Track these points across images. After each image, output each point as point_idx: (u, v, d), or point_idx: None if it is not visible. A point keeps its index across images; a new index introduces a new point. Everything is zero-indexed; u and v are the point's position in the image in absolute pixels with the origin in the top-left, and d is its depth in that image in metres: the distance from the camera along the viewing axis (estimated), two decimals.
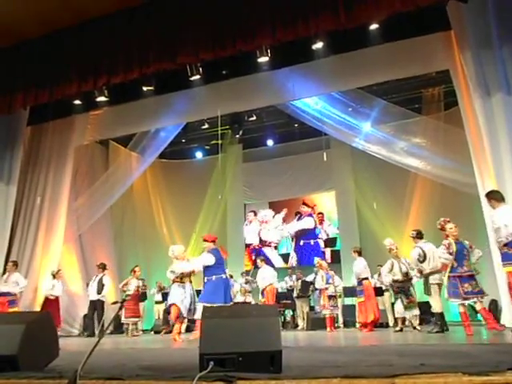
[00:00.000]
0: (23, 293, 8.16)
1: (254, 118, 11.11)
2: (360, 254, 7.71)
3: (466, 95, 6.58)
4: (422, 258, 6.33)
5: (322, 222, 12.30)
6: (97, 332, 8.81)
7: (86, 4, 6.46)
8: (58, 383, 2.03)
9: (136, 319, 9.04)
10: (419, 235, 6.56)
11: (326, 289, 7.87)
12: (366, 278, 7.58)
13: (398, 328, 7.09)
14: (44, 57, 7.07)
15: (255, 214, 13.05)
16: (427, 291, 6.27)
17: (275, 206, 12.92)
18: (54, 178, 9.08)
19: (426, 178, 9.27)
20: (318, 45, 6.80)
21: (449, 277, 5.46)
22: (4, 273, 7.87)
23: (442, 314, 6.23)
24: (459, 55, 6.49)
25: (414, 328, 6.82)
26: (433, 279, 6.21)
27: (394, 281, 6.98)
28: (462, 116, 6.73)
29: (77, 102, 8.21)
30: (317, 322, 8.33)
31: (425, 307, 7.51)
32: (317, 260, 8.48)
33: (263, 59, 6.88)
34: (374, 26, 6.54)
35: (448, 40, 6.72)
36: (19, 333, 2.40)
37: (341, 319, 9.24)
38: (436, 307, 6.27)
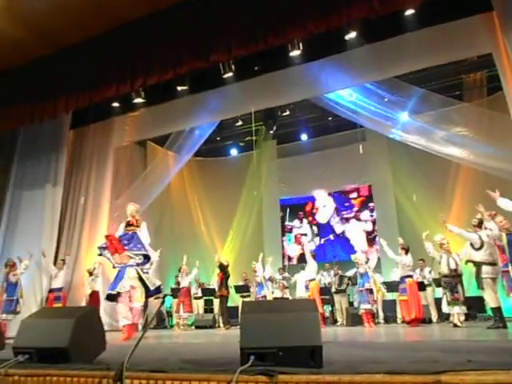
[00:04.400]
0: (71, 289, 8.60)
1: (288, 112, 11.02)
2: (407, 251, 7.55)
3: (511, 79, 6.24)
4: (478, 246, 6.07)
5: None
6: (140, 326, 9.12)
7: (121, 9, 6.66)
8: (106, 374, 2.12)
9: (191, 314, 9.37)
10: (481, 224, 6.27)
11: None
12: (411, 276, 7.42)
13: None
14: (83, 62, 7.34)
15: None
16: (479, 285, 6.01)
17: None
18: (96, 178, 9.45)
19: (468, 167, 8.87)
20: (351, 35, 6.65)
21: (503, 272, 5.22)
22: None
23: (499, 308, 5.92)
24: (502, 37, 6.16)
25: (455, 325, 6.55)
26: (485, 273, 5.90)
27: (442, 275, 6.77)
28: (507, 101, 6.38)
29: (115, 104, 8.51)
30: (356, 318, 8.22)
31: (472, 302, 7.21)
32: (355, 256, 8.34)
33: (295, 53, 6.82)
34: (409, 12, 6.31)
35: (490, 22, 6.38)
36: (70, 326, 2.52)
37: (381, 315, 9.06)
38: (490, 302, 6.01)
